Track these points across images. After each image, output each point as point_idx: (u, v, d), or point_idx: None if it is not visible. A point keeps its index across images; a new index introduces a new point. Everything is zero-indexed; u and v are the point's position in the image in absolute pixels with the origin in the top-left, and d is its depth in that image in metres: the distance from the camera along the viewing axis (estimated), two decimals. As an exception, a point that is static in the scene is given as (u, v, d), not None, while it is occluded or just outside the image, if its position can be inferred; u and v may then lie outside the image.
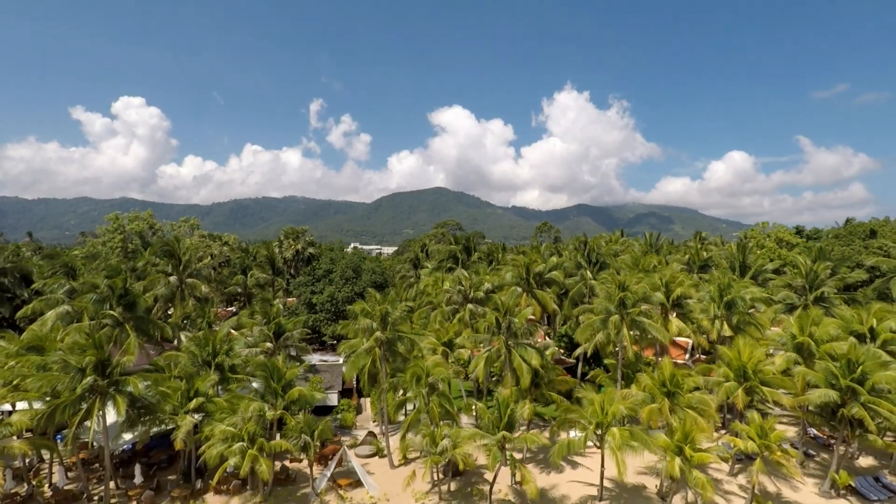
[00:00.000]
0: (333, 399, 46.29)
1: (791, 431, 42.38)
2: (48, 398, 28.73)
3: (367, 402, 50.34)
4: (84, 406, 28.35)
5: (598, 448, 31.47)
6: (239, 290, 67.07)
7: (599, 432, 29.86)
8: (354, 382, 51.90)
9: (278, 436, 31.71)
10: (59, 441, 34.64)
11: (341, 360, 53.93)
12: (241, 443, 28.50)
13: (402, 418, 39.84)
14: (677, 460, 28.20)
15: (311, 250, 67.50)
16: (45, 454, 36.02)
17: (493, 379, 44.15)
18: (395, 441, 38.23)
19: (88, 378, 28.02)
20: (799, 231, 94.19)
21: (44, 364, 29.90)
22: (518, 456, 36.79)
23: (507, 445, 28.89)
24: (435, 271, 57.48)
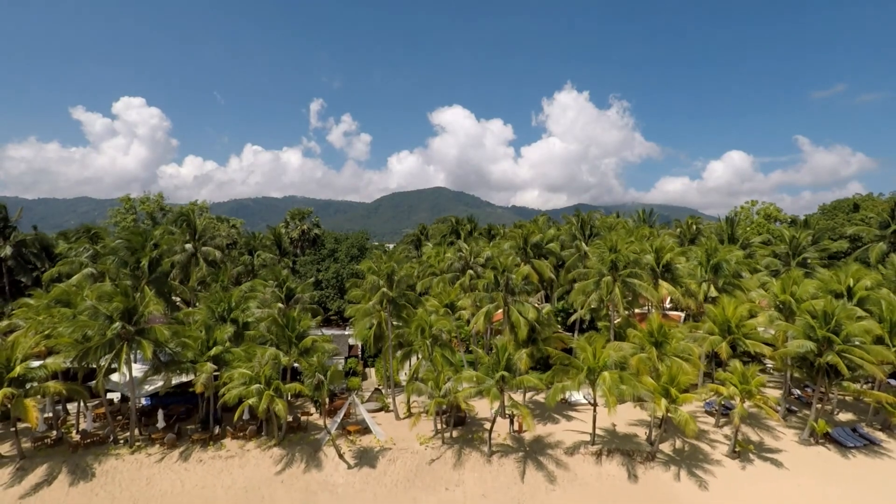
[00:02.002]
0: (339, 366, 48.53)
1: (776, 393, 44.57)
2: (79, 344, 30.80)
3: (371, 372, 52.51)
4: (113, 351, 30.57)
5: (592, 405, 33.76)
6: (243, 277, 68.92)
7: (592, 378, 32.01)
8: (360, 352, 54.21)
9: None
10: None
11: (347, 333, 56.37)
12: (258, 384, 30.64)
13: (404, 381, 42.01)
14: (663, 401, 30.40)
15: (316, 231, 69.76)
16: (72, 409, 38.37)
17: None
18: (399, 400, 40.48)
19: (116, 324, 30.21)
20: (793, 220, 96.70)
21: (73, 314, 32.13)
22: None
23: (505, 387, 31.07)
24: (437, 246, 59.82)
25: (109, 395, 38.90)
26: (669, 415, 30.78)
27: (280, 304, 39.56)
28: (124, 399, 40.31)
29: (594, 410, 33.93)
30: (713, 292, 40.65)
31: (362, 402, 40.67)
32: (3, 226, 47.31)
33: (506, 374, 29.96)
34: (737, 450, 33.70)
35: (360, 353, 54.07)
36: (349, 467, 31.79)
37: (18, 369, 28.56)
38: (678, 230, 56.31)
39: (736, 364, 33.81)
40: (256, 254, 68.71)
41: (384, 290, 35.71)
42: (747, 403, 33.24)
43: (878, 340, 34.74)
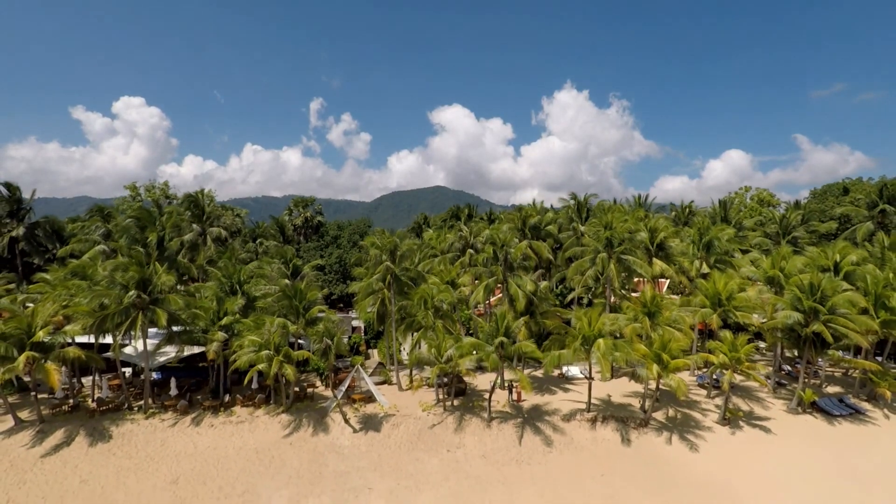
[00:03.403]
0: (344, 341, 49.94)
1: (767, 370, 45.91)
2: (96, 313, 32.14)
3: (374, 353, 53.91)
4: (128, 319, 31.93)
5: (588, 378, 35.13)
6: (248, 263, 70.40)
7: (587, 346, 33.33)
8: (362, 333, 55.64)
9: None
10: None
11: (351, 315, 57.81)
12: (267, 351, 32.00)
13: (406, 360, 43.35)
14: (655, 367, 31.74)
15: (319, 218, 71.13)
16: (86, 382, 39.79)
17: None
18: (402, 374, 41.82)
19: (132, 292, 31.58)
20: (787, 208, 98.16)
21: (90, 285, 33.49)
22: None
23: (503, 353, 32.43)
24: (438, 230, 61.31)
25: (122, 370, 40.29)
26: (662, 385, 32.16)
27: (286, 280, 40.90)
28: (136, 373, 41.70)
29: (590, 382, 35.29)
30: (705, 269, 42.05)
31: (368, 375, 42.09)
32: (16, 207, 48.66)
33: (504, 339, 31.31)
34: (727, 417, 35.03)
35: (363, 334, 55.55)
36: (355, 431, 33.16)
37: (41, 334, 29.91)
38: (673, 213, 57.81)
39: (726, 333, 35.16)
40: (259, 241, 70.13)
41: (387, 263, 36.99)
42: (738, 377, 34.57)
43: (864, 312, 36.10)
